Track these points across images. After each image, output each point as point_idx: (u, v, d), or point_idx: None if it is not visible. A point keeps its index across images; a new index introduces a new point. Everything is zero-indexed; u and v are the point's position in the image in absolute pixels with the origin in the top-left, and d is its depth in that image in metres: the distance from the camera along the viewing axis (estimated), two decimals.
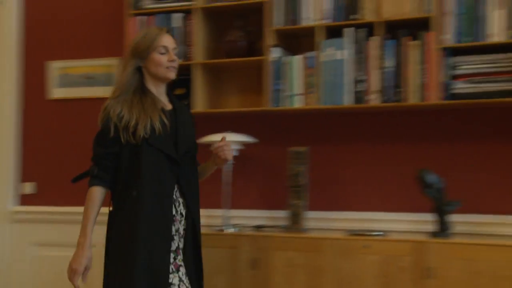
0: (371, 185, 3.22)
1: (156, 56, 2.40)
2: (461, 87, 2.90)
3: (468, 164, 3.07)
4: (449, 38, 2.89)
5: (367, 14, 3.03)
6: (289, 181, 3.16)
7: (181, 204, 2.41)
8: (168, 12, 3.34)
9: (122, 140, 2.32)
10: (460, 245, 2.77)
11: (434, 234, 2.91)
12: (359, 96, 3.03)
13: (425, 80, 2.92)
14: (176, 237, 2.38)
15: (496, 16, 2.82)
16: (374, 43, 3.01)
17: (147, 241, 2.28)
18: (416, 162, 3.08)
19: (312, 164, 3.19)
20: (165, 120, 2.37)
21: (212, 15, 3.41)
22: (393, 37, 3.00)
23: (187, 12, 3.34)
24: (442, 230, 2.91)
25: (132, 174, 2.32)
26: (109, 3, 3.67)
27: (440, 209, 2.92)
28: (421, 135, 3.15)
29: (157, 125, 2.33)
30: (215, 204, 3.32)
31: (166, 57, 2.41)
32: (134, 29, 3.38)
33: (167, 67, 2.41)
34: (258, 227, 3.23)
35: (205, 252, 3.10)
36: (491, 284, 2.67)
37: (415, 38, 2.96)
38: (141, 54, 2.40)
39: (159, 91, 2.45)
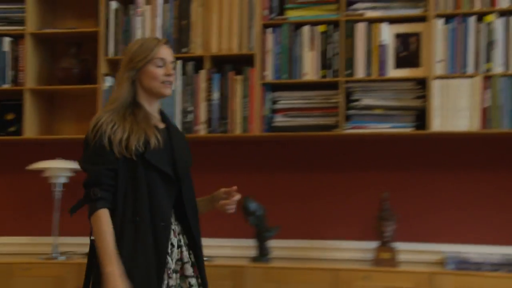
0: None
1: (152, 68, 2.16)
2: (279, 120, 3.11)
3: (286, 193, 3.27)
4: (269, 75, 3.10)
5: (196, 48, 3.17)
6: None
7: (179, 232, 2.19)
8: None
9: (118, 155, 2.06)
10: (274, 269, 2.96)
11: (254, 259, 3.07)
12: (188, 127, 3.15)
13: (248, 112, 3.10)
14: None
15: (309, 57, 3.07)
16: (202, 76, 3.15)
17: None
18: (240, 190, 3.22)
19: None
20: (159, 137, 2.12)
21: (46, 41, 3.40)
22: (219, 71, 3.16)
23: (18, 37, 3.30)
24: (262, 255, 3.08)
25: (130, 196, 2.07)
26: None
27: (261, 235, 3.09)
28: (245, 164, 3.32)
29: (152, 139, 2.09)
30: (44, 232, 3.28)
31: (162, 71, 2.17)
32: None
33: (163, 82, 2.17)
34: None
35: (32, 281, 3.09)
36: None
37: (240, 73, 3.14)
38: (136, 66, 2.15)
39: (152, 108, 2.20)
